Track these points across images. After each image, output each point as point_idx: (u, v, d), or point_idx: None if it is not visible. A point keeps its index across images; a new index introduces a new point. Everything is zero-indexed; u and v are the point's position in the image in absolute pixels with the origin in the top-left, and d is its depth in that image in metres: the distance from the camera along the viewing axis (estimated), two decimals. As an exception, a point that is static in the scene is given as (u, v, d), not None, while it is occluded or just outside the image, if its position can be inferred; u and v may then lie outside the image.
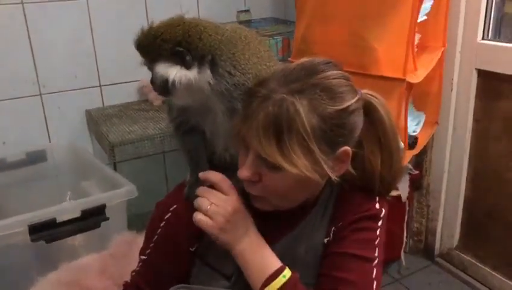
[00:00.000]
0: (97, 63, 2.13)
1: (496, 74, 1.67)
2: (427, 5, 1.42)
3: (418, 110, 1.85)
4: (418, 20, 1.41)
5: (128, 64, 2.13)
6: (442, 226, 2.04)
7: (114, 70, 2.16)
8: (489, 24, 1.69)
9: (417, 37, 1.50)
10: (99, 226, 1.62)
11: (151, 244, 1.07)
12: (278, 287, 0.87)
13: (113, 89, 2.19)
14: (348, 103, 0.88)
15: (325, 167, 0.86)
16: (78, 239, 1.62)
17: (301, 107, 0.83)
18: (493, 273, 1.89)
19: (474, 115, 1.79)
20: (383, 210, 0.98)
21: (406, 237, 2.02)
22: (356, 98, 0.89)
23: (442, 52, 1.65)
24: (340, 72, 0.91)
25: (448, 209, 2.01)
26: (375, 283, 0.91)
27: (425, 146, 1.87)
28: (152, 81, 0.94)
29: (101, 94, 2.18)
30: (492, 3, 1.67)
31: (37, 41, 1.98)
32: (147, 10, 2.15)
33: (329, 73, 0.88)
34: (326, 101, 0.86)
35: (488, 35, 1.70)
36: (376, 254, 0.94)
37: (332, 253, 0.92)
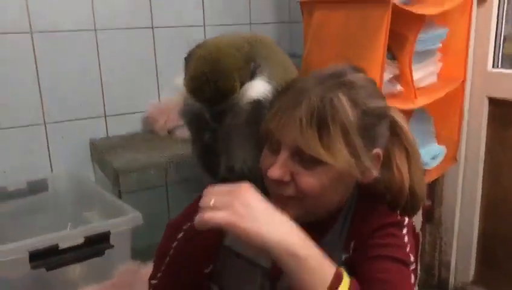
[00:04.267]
0: (103, 93, 2.11)
1: (507, 101, 1.66)
2: (439, 32, 1.42)
3: (440, 145, 1.78)
4: (432, 47, 1.40)
5: (134, 94, 2.16)
6: (457, 259, 1.98)
7: (120, 100, 2.14)
8: (500, 52, 1.69)
9: (438, 66, 1.50)
10: (103, 254, 1.55)
11: (163, 267, 1.01)
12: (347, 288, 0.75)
13: (118, 120, 2.16)
14: (384, 103, 0.88)
15: (364, 161, 0.84)
16: (79, 268, 1.54)
17: (344, 99, 0.82)
18: (512, 308, 1.82)
19: (486, 144, 1.77)
20: (406, 218, 0.93)
21: (419, 271, 1.94)
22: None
23: (462, 82, 1.62)
24: (366, 76, 0.92)
25: (462, 241, 1.95)
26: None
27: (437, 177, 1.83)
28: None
29: (106, 124, 2.15)
30: (501, 32, 1.68)
31: (43, 70, 1.96)
32: (154, 42, 2.16)
33: (360, 74, 0.89)
34: (364, 98, 0.86)
35: (498, 63, 1.71)
36: (412, 259, 0.88)
37: (363, 260, 0.85)
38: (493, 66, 1.71)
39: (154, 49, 2.16)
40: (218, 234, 0.99)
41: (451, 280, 2.03)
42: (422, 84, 1.51)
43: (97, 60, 2.06)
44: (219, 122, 0.91)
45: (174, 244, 1.01)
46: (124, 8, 2.07)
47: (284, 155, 0.85)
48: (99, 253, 1.55)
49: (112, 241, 1.57)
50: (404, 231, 0.91)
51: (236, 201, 0.74)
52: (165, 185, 2.20)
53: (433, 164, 1.69)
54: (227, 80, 0.87)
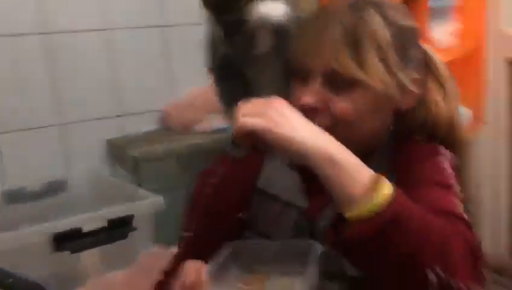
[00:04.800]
0: (119, 92, 2.12)
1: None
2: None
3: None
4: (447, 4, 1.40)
5: (150, 93, 2.17)
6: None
7: (135, 99, 2.14)
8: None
9: (455, 26, 1.48)
10: (126, 237, 1.52)
11: (196, 216, 0.98)
12: (385, 200, 0.68)
13: (134, 119, 2.15)
14: (416, 25, 0.87)
15: (402, 79, 0.82)
16: (103, 251, 1.50)
17: (376, 16, 0.81)
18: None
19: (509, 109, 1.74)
20: (447, 151, 0.90)
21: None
22: None
23: (481, 42, 1.59)
24: None
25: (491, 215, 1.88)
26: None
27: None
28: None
29: (122, 123, 2.15)
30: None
31: (58, 71, 1.98)
32: (167, 41, 2.18)
33: None
34: (396, 16, 0.84)
35: (512, 23, 1.70)
36: (459, 189, 0.83)
37: (406, 193, 0.74)
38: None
39: (168, 47, 2.18)
40: (251, 176, 0.97)
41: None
42: (440, 45, 1.50)
43: (111, 59, 2.08)
44: (234, 41, 0.89)
45: (207, 190, 0.98)
46: (137, 7, 2.10)
47: (315, 82, 0.83)
48: (123, 236, 1.52)
49: (135, 225, 1.54)
50: (448, 163, 0.87)
51: (271, 110, 0.73)
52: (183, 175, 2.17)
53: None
54: None
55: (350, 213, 0.69)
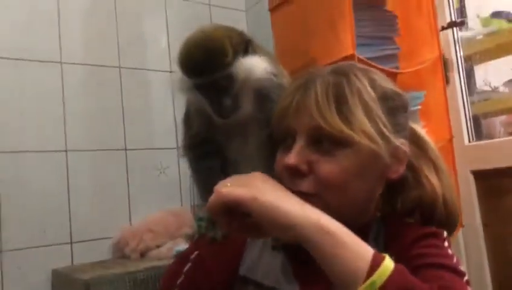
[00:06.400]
0: (70, 217, 1.94)
1: (490, 171, 1.66)
2: (416, 94, 1.47)
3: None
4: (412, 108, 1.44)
5: (104, 219, 2.00)
6: None
7: (88, 225, 1.97)
8: (472, 126, 1.76)
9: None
10: None
11: None
12: (389, 273, 0.61)
13: (85, 246, 1.96)
14: (401, 91, 0.85)
15: (389, 137, 0.77)
16: None
17: (362, 77, 0.80)
18: None
19: (482, 219, 1.71)
20: (444, 232, 0.83)
21: None
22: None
23: (450, 140, 1.60)
24: None
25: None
26: None
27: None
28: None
29: (71, 251, 1.93)
30: (469, 108, 1.77)
31: (4, 190, 1.81)
32: (127, 163, 2.10)
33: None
34: (382, 81, 0.83)
35: (473, 137, 1.76)
36: (463, 270, 0.75)
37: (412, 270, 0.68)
38: (469, 141, 1.75)
39: (126, 168, 2.09)
40: (231, 260, 0.86)
41: None
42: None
43: (66, 182, 1.95)
44: (222, 107, 0.83)
45: (180, 280, 0.85)
46: (97, 129, 2.04)
47: (299, 143, 0.77)
48: None
49: None
50: (446, 243, 0.80)
51: (255, 180, 0.69)
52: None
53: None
54: (217, 41, 0.82)
55: None
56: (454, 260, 0.75)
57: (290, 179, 0.76)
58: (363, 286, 0.59)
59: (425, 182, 0.84)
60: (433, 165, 0.87)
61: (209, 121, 0.88)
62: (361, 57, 1.30)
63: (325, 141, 0.76)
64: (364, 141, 0.74)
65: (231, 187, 0.66)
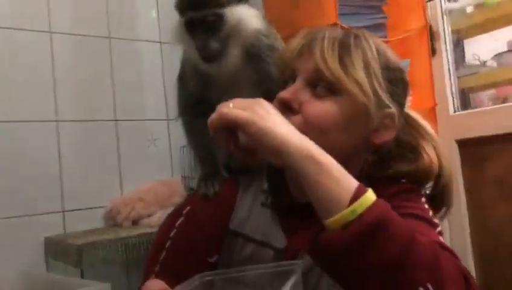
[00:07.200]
0: (62, 187, 1.97)
1: (474, 139, 1.71)
2: (403, 63, 1.50)
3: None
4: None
5: (96, 189, 2.03)
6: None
7: (79, 195, 1.99)
8: (457, 97, 1.80)
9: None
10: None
11: (160, 259, 0.87)
12: (370, 203, 0.64)
13: (77, 215, 1.99)
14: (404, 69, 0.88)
15: (383, 97, 0.80)
16: None
17: (370, 43, 0.83)
18: None
19: (465, 186, 1.76)
20: (423, 190, 0.87)
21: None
22: None
23: (433, 108, 1.63)
24: None
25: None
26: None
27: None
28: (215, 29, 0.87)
29: (64, 220, 1.96)
30: (455, 79, 1.81)
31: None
32: (117, 134, 2.12)
33: None
34: (388, 53, 0.86)
35: (458, 107, 1.80)
36: (437, 221, 0.80)
37: None
38: (454, 111, 1.79)
39: (117, 141, 2.11)
40: (222, 215, 0.89)
41: None
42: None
43: (57, 152, 1.97)
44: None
45: (173, 233, 0.88)
46: (87, 99, 2.05)
47: (298, 83, 0.81)
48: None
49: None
50: (423, 199, 0.84)
51: (257, 105, 0.71)
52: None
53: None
54: None
55: (334, 219, 0.63)
56: (430, 213, 0.80)
57: (281, 112, 0.78)
58: (344, 211, 0.62)
59: (424, 156, 0.87)
60: (432, 145, 0.90)
61: (204, 80, 0.91)
62: (345, 26, 1.32)
63: (321, 86, 0.79)
64: (355, 90, 0.77)
65: (233, 108, 0.69)
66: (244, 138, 0.71)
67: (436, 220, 0.80)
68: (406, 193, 0.83)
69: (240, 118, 0.68)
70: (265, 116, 0.68)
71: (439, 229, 0.78)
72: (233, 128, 0.69)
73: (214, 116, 0.70)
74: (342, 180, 0.66)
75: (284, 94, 0.80)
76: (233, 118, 0.68)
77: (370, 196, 0.64)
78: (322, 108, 0.78)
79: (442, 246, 0.68)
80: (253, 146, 0.69)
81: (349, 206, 0.62)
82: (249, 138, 0.68)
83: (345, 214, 0.62)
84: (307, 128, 0.76)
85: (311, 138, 0.73)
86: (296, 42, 0.84)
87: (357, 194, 0.63)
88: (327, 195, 0.64)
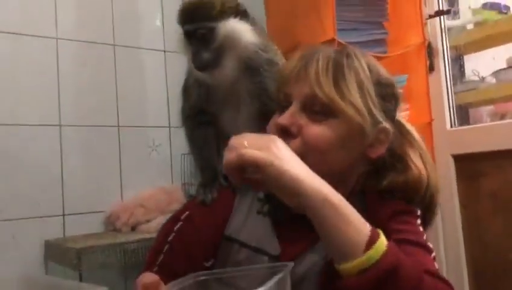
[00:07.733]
0: (63, 191, 1.99)
1: (470, 155, 1.73)
2: (398, 78, 1.52)
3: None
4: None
5: (96, 194, 2.05)
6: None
7: (80, 199, 2.01)
8: (454, 112, 1.82)
9: (405, 113, 1.56)
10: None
11: (157, 263, 0.89)
12: (384, 248, 0.67)
13: (77, 219, 2.01)
14: (396, 83, 0.91)
15: (377, 116, 0.83)
16: None
17: (361, 61, 0.85)
18: None
19: (460, 200, 1.78)
20: (418, 210, 0.89)
21: None
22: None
23: (429, 123, 1.66)
24: None
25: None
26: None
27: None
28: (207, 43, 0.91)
29: (64, 224, 1.99)
30: (452, 95, 1.83)
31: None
32: (119, 140, 2.14)
33: None
34: (380, 69, 0.89)
35: (455, 123, 1.83)
36: (431, 247, 0.83)
37: None
38: (451, 126, 1.81)
39: (119, 147, 2.13)
40: (218, 221, 0.91)
41: None
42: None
43: (59, 156, 1.99)
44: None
45: (171, 237, 0.90)
46: (91, 105, 2.08)
47: (294, 107, 0.83)
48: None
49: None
50: (418, 220, 0.87)
51: (272, 144, 0.72)
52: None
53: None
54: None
55: (351, 264, 0.66)
56: (424, 237, 0.84)
57: (279, 137, 0.80)
58: (362, 258, 0.66)
59: (412, 166, 0.89)
60: (419, 153, 0.92)
61: (205, 90, 0.94)
62: (342, 41, 1.35)
63: (317, 109, 0.82)
64: (351, 112, 0.80)
65: (250, 149, 0.70)
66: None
67: (430, 245, 0.82)
68: (401, 214, 0.86)
69: (259, 159, 0.68)
70: (282, 157, 0.70)
71: (433, 254, 0.81)
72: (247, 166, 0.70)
73: (231, 156, 0.70)
74: (357, 224, 0.69)
75: (282, 120, 0.82)
76: (251, 159, 0.69)
77: (383, 240, 0.68)
78: (320, 131, 0.81)
79: (439, 277, 0.73)
80: (262, 179, 0.71)
81: (365, 251, 0.65)
82: (266, 178, 0.69)
83: (363, 260, 0.66)
84: (307, 151, 0.80)
85: (310, 160, 0.77)
86: (291, 67, 0.86)
87: (372, 239, 0.67)
88: (343, 239, 0.67)
